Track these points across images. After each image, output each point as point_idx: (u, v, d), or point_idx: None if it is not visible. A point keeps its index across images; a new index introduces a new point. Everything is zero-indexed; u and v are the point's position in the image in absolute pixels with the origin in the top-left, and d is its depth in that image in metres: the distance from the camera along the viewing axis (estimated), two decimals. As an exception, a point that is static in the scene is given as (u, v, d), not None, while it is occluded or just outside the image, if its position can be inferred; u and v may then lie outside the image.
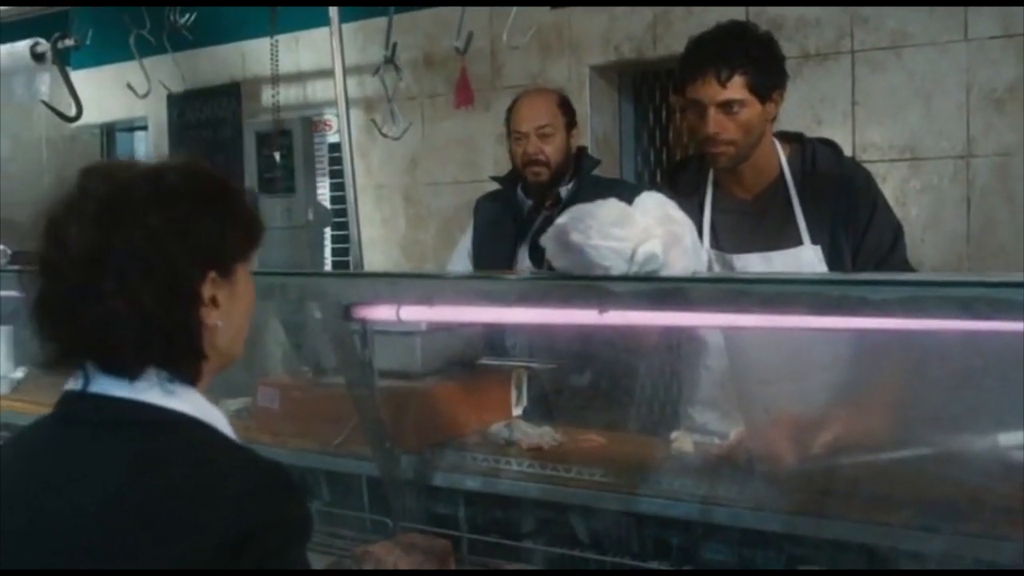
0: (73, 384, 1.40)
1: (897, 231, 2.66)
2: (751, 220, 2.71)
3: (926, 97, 4.23)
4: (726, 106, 2.56)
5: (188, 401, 1.40)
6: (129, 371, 1.36)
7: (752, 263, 2.65)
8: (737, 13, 4.40)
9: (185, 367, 1.40)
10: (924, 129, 4.26)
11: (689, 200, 2.60)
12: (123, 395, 1.36)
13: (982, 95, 4.14)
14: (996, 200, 4.10)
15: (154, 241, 1.34)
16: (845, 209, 2.62)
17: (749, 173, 2.70)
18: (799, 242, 2.62)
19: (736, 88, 2.55)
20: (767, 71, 2.60)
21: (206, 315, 1.40)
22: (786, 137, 2.76)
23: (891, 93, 4.31)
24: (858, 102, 4.39)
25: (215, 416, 1.42)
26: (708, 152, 2.66)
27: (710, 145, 2.62)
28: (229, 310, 1.43)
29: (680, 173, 2.89)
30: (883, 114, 4.34)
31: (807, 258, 2.60)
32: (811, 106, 4.43)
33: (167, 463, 1.34)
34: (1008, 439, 1.90)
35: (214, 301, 1.41)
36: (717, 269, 2.67)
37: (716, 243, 2.70)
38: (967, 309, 1.49)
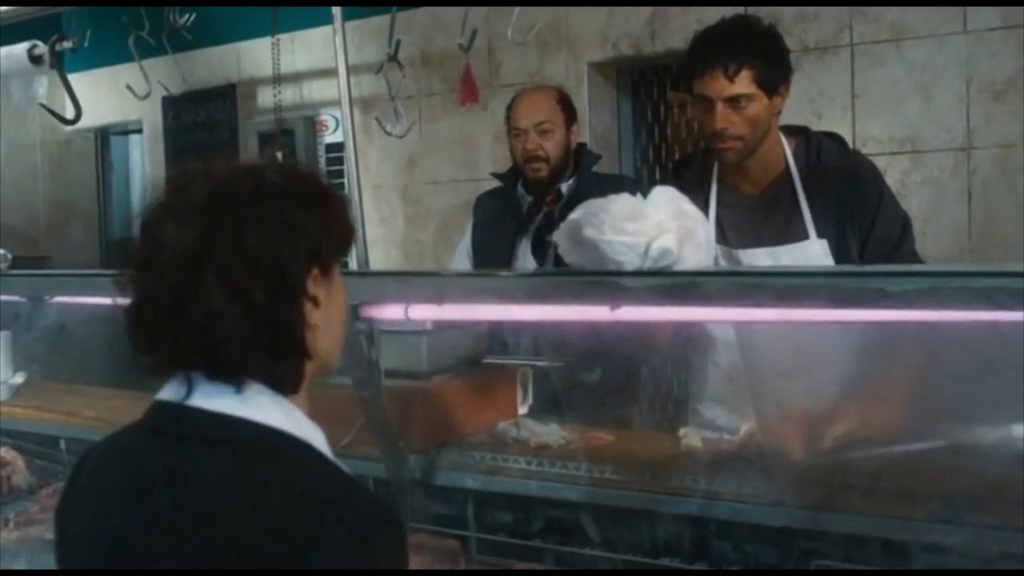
0: (171, 394, 1.36)
1: (905, 223, 2.65)
2: (757, 215, 2.70)
3: (926, 89, 4.22)
4: (734, 101, 2.56)
5: (289, 416, 1.36)
6: (234, 375, 1.32)
7: (758, 258, 2.64)
8: (735, 8, 4.39)
9: (290, 368, 1.37)
10: (924, 122, 4.25)
11: (694, 196, 2.58)
12: (222, 410, 1.32)
13: (982, 87, 4.13)
14: (997, 192, 4.10)
15: (260, 234, 1.31)
16: (851, 202, 2.61)
17: (755, 168, 2.69)
18: (805, 236, 2.62)
19: (744, 83, 2.55)
20: (774, 64, 2.60)
21: (309, 313, 1.36)
22: (791, 131, 2.75)
23: (891, 86, 4.30)
24: (858, 95, 4.38)
25: (314, 434, 1.38)
26: (716, 147, 2.65)
27: (718, 140, 2.61)
28: (328, 311, 1.40)
29: (684, 169, 2.88)
30: (883, 107, 4.33)
31: (814, 252, 2.59)
32: (811, 100, 4.42)
33: (263, 489, 1.29)
34: (1026, 430, 1.89)
35: (315, 300, 1.37)
36: (723, 265, 2.66)
37: (722, 239, 2.69)
38: (986, 299, 1.48)
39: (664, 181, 2.60)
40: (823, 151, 2.68)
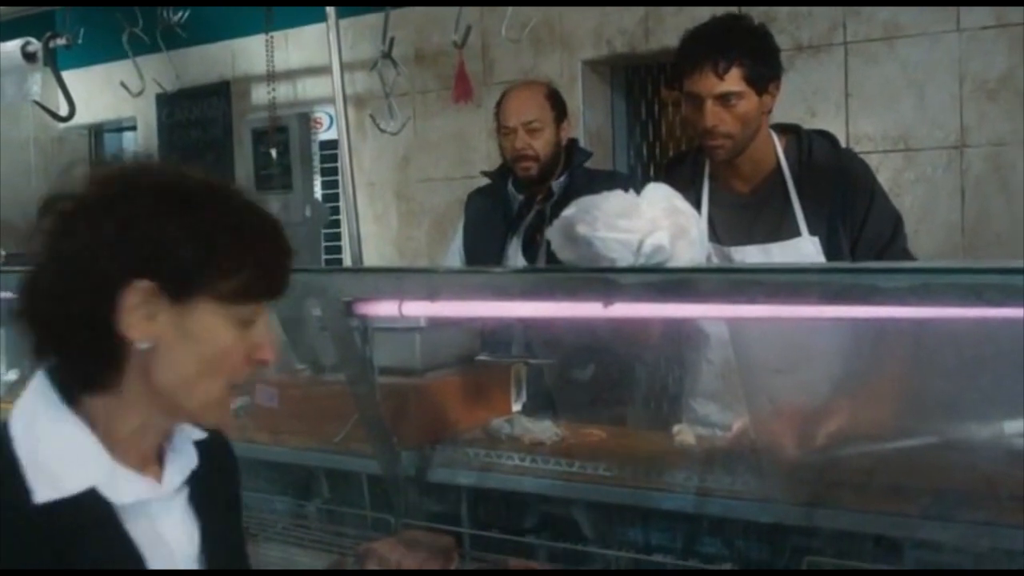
0: None
1: (896, 221, 2.66)
2: (749, 213, 2.70)
3: (919, 88, 4.23)
4: (724, 98, 2.57)
5: (33, 423, 1.31)
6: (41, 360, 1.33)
7: (750, 256, 2.65)
8: (729, 7, 4.40)
9: (86, 371, 1.31)
10: (917, 120, 4.26)
11: (686, 194, 2.59)
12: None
13: (975, 85, 4.14)
14: (990, 190, 4.11)
15: (86, 238, 1.27)
16: (843, 200, 2.62)
17: (746, 165, 2.70)
18: (797, 234, 2.62)
19: (733, 80, 2.56)
20: (764, 63, 2.61)
21: (126, 325, 1.26)
22: (782, 129, 2.75)
23: (884, 84, 4.31)
24: (851, 93, 4.39)
25: (47, 450, 1.29)
26: (706, 145, 2.66)
27: (708, 138, 2.62)
28: (171, 341, 1.28)
29: (676, 167, 2.89)
30: (876, 105, 4.34)
31: (806, 250, 2.60)
32: (804, 98, 4.42)
33: None
34: (1019, 426, 1.90)
35: (142, 315, 1.26)
36: (716, 262, 2.66)
37: (714, 236, 2.70)
38: (978, 296, 1.49)
39: (657, 179, 2.60)
40: (814, 149, 2.69)
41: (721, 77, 2.55)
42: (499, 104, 3.57)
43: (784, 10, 4.46)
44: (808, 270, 1.77)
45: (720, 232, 2.71)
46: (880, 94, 4.32)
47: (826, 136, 2.77)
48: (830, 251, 2.59)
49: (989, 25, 4.08)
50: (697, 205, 2.67)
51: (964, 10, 4.11)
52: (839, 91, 4.40)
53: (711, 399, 2.72)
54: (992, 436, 1.98)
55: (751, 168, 2.71)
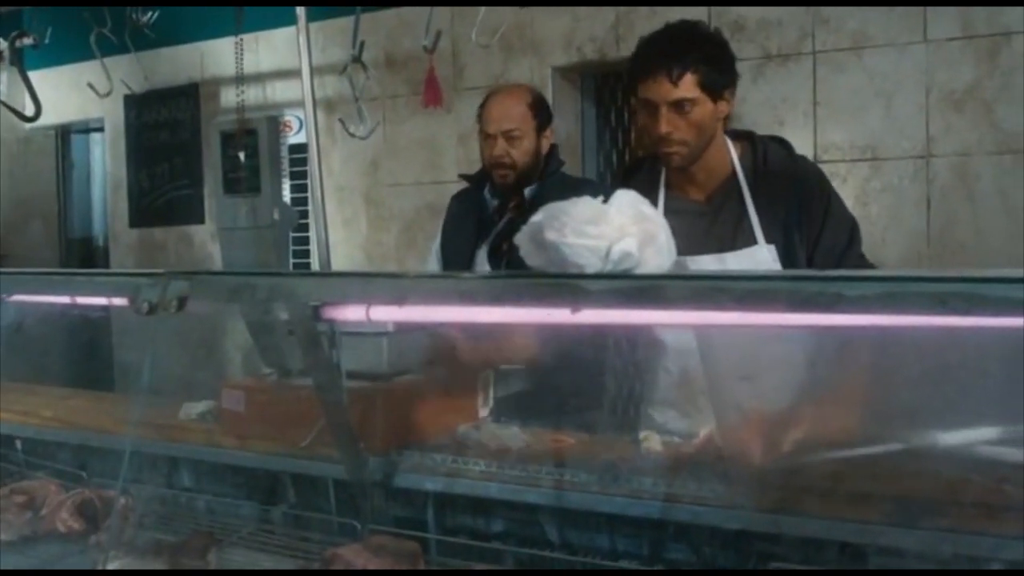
0: None
1: (852, 226, 2.67)
2: (705, 221, 2.70)
3: (886, 98, 4.27)
4: (678, 105, 2.56)
5: None
6: None
7: (705, 265, 2.64)
8: (699, 13, 4.42)
9: None
10: (885, 129, 4.30)
11: (645, 184, 2.60)
12: None
13: (941, 96, 4.18)
14: (956, 199, 4.15)
15: None
16: (799, 207, 2.62)
17: (701, 173, 2.70)
18: (753, 242, 2.62)
19: (688, 87, 2.55)
20: (718, 69, 2.60)
21: None
22: (737, 136, 2.76)
23: (852, 94, 4.35)
24: (819, 102, 4.42)
25: None
26: (661, 152, 2.65)
27: (663, 145, 2.62)
28: None
29: (633, 175, 2.87)
30: (844, 114, 4.38)
31: (762, 258, 2.60)
32: (773, 107, 4.45)
33: None
34: (983, 434, 1.91)
35: None
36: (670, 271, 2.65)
37: (681, 244, 2.69)
38: (943, 305, 1.49)
39: (614, 186, 2.59)
40: (769, 155, 2.69)
41: (675, 83, 2.54)
42: (482, 107, 3.54)
43: (753, 19, 4.49)
44: (776, 278, 1.78)
45: (677, 241, 2.70)
46: (848, 104, 4.36)
47: (780, 142, 2.77)
48: (786, 259, 2.59)
49: (955, 36, 4.13)
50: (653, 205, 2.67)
51: (931, 21, 4.16)
52: (807, 100, 4.44)
53: (670, 407, 2.72)
54: (955, 443, 1.99)
55: (706, 175, 2.71)
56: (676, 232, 2.67)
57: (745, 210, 2.65)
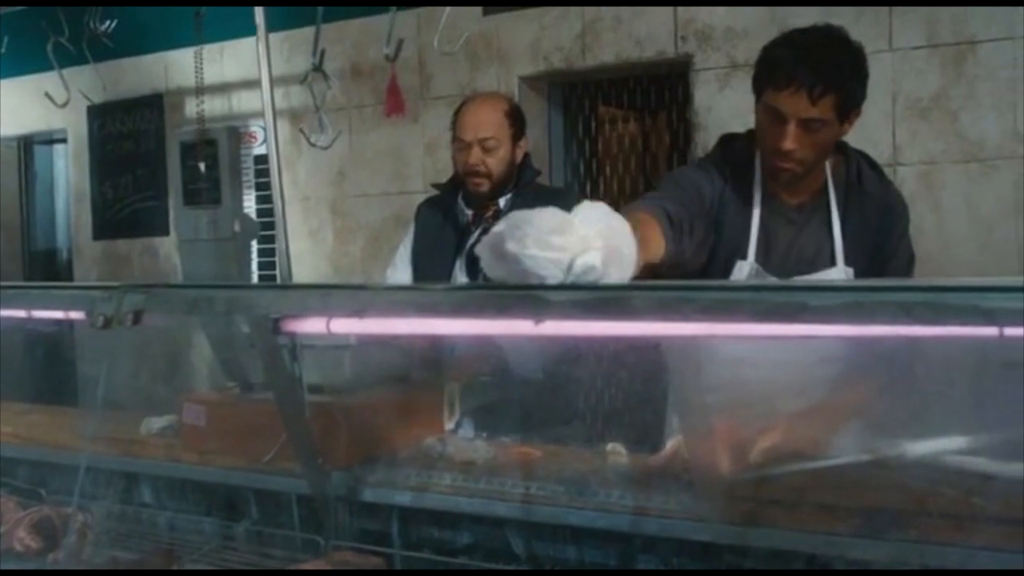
0: None
1: (911, 259, 2.63)
2: (793, 229, 2.61)
3: (853, 106, 4.27)
4: (808, 123, 2.40)
5: None
6: None
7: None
8: (665, 19, 4.42)
9: None
10: (851, 137, 4.23)
11: (742, 173, 2.54)
12: None
13: (908, 104, 4.19)
14: (922, 208, 4.15)
15: None
16: (882, 235, 2.57)
17: (799, 180, 2.58)
18: (832, 263, 2.55)
19: (824, 108, 2.38)
20: (856, 91, 2.45)
21: None
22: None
23: (818, 102, 4.34)
24: (786, 111, 4.41)
25: None
26: (775, 164, 2.51)
27: (781, 159, 2.47)
28: None
29: (732, 142, 2.73)
30: (810, 123, 4.37)
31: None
32: (741, 116, 4.44)
33: None
34: (950, 444, 1.90)
35: None
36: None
37: (765, 250, 2.60)
38: (907, 314, 1.48)
39: (599, 193, 2.55)
40: (863, 175, 2.60)
41: (814, 103, 2.37)
42: (457, 114, 3.50)
43: (719, 28, 4.49)
44: (740, 288, 1.76)
45: (771, 247, 2.60)
46: (814, 112, 4.35)
47: (873, 166, 2.68)
48: None
49: (920, 45, 4.14)
50: (749, 197, 2.60)
51: (896, 30, 4.17)
52: (774, 109, 4.43)
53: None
54: (923, 454, 1.98)
55: (802, 184, 2.59)
56: (772, 237, 2.59)
57: (831, 227, 2.57)
